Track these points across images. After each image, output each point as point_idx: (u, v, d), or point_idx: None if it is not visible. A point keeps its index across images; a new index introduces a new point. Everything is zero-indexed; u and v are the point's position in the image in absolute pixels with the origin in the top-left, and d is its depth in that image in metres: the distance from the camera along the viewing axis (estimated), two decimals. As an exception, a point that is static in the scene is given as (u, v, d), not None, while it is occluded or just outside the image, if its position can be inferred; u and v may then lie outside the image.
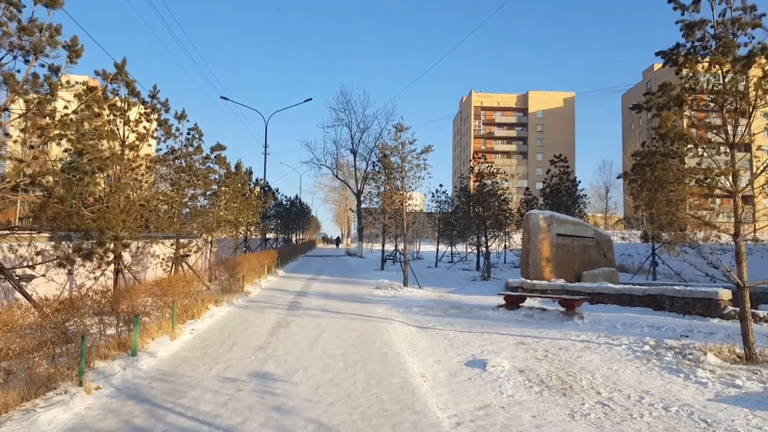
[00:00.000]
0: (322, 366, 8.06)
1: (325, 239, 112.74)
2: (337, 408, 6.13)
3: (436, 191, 37.35)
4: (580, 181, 33.08)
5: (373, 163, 40.24)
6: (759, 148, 8.17)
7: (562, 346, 9.74)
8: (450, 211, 37.18)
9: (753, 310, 12.74)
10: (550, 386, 7.20)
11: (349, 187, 50.51)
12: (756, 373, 7.50)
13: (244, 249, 28.85)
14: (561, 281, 18.01)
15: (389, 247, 38.44)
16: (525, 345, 9.94)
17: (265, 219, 40.63)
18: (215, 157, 18.48)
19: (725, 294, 13.04)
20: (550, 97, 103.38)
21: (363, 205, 41.32)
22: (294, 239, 57.14)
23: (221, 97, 60.57)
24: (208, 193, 18.18)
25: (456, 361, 8.78)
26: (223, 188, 19.61)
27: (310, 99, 52.05)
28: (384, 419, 5.77)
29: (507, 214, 31.29)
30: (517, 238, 41.42)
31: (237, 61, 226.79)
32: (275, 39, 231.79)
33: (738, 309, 10.39)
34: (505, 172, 35.51)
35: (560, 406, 6.40)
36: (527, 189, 38.79)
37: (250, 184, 25.95)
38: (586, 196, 33.61)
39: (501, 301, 15.43)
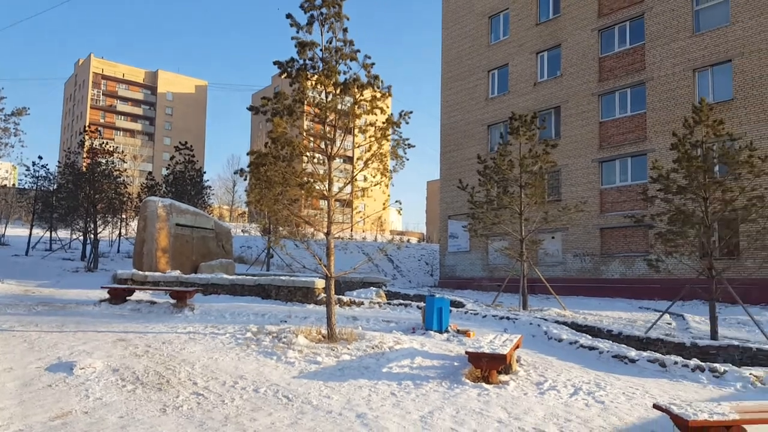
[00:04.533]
0: None
1: None
2: None
3: (34, 164, 31.56)
4: (205, 172, 33.26)
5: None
6: (359, 159, 9.71)
7: (167, 340, 9.48)
8: (52, 189, 31.83)
9: (339, 296, 15.24)
10: (145, 383, 6.86)
11: None
12: (333, 350, 8.89)
13: None
14: (177, 273, 17.62)
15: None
16: (125, 342, 9.25)
17: None
18: None
19: (320, 283, 15.16)
20: (182, 81, 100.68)
21: None
22: None
23: None
24: None
25: (35, 366, 7.46)
26: None
27: None
28: None
29: (124, 199, 28.83)
30: (135, 226, 38.62)
31: None
32: None
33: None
34: (123, 152, 32.65)
35: (153, 401, 6.15)
36: (151, 173, 36.66)
37: None
38: (211, 187, 34.03)
39: (105, 294, 14.04)
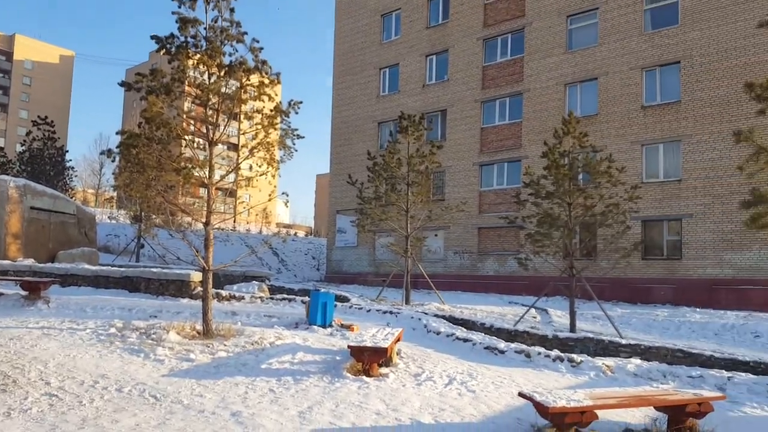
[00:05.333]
0: None
1: None
2: None
3: None
4: (68, 151, 30.15)
5: None
6: (245, 147, 9.29)
7: (16, 336, 8.41)
8: None
9: (218, 290, 14.54)
10: (-15, 388, 6.00)
11: None
12: (209, 346, 8.43)
13: None
14: (30, 261, 15.76)
15: None
16: (-39, 340, 8.05)
17: None
18: None
19: (196, 276, 14.32)
20: (45, 49, 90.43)
21: None
22: None
23: None
24: None
25: None
26: None
27: None
28: None
29: (-33, 177, 25.18)
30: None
31: None
32: None
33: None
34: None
35: (-5, 407, 5.41)
36: (2, 149, 32.45)
37: None
38: (74, 168, 30.94)
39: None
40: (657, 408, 5.95)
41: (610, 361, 9.08)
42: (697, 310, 18.00)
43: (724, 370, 8.80)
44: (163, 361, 7.59)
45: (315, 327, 10.75)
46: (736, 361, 9.63)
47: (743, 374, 8.58)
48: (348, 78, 31.74)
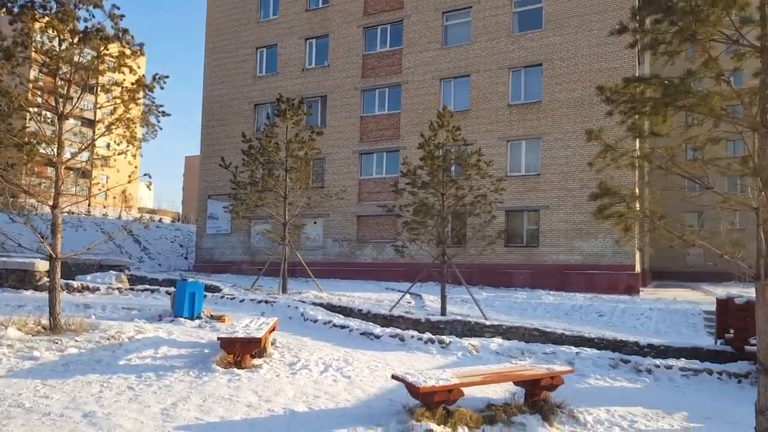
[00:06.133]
0: None
1: None
2: None
3: None
4: None
5: None
6: (101, 123, 8.36)
7: None
8: None
9: (68, 281, 13.12)
10: None
11: None
12: (57, 342, 7.56)
13: None
14: None
15: None
16: None
17: None
18: None
19: (42, 265, 12.80)
20: None
21: None
22: None
23: None
24: None
25: None
26: None
27: None
28: None
29: None
30: None
31: None
32: None
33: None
34: None
35: None
36: None
37: None
38: None
39: None
40: (516, 383, 6.41)
41: (475, 341, 9.64)
42: (551, 292, 19.85)
43: (573, 346, 9.77)
44: (0, 360, 6.66)
45: (182, 319, 10.13)
46: (583, 338, 10.74)
47: (589, 350, 9.59)
48: (222, 56, 30.19)
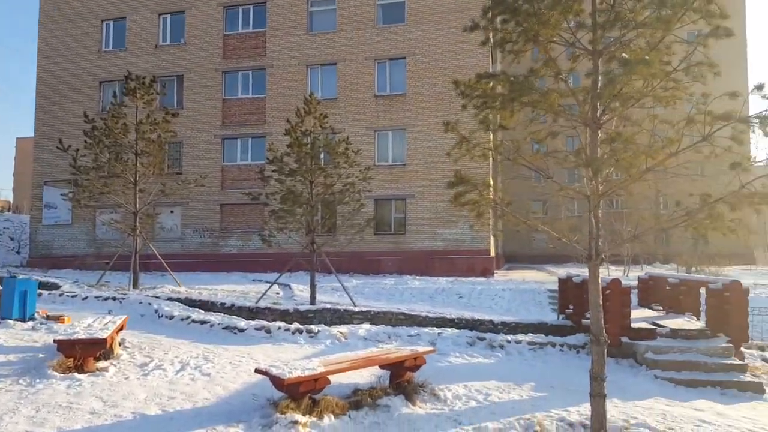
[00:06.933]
0: None
1: None
2: None
3: None
4: None
5: None
6: None
7: None
8: None
9: None
10: None
11: None
12: None
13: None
14: None
15: None
16: None
17: None
18: None
19: None
20: None
21: None
22: None
23: None
24: None
25: None
26: None
27: None
28: None
29: None
30: None
31: None
32: None
33: None
34: None
35: None
36: None
37: None
38: None
39: None
40: (381, 366, 6.51)
41: (344, 329, 9.67)
42: (417, 277, 20.71)
43: (435, 328, 10.22)
44: None
45: (10, 321, 8.88)
46: (445, 319, 11.30)
47: (450, 330, 10.10)
48: (61, 26, 26.81)
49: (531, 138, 5.95)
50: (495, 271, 23.69)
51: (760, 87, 4.48)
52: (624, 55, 4.72)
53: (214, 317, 10.15)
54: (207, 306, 11.86)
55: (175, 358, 7.26)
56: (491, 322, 11.08)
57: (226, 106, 25.41)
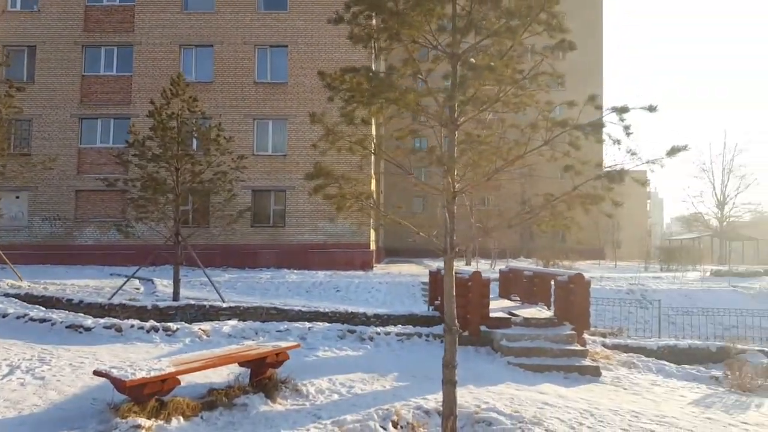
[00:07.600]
0: None
1: None
2: None
3: None
4: None
5: None
6: None
7: None
8: None
9: None
10: None
11: None
12: None
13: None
14: None
15: None
16: None
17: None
18: None
19: None
20: None
21: None
22: None
23: None
24: None
25: None
26: None
27: None
28: None
29: None
30: None
31: None
32: None
33: None
34: None
35: None
36: None
37: None
38: None
39: None
40: (241, 364, 6.27)
41: (206, 326, 9.21)
42: (295, 271, 20.36)
43: (308, 322, 10.07)
44: None
45: None
46: (318, 313, 11.19)
47: (321, 324, 10.01)
48: None
49: (393, 135, 6.05)
50: (375, 265, 24.08)
51: (592, 98, 4.92)
52: (472, 60, 4.94)
53: (57, 315, 9.15)
54: (51, 302, 10.68)
55: (3, 361, 6.42)
56: (364, 314, 11.19)
57: (86, 83, 23.09)
